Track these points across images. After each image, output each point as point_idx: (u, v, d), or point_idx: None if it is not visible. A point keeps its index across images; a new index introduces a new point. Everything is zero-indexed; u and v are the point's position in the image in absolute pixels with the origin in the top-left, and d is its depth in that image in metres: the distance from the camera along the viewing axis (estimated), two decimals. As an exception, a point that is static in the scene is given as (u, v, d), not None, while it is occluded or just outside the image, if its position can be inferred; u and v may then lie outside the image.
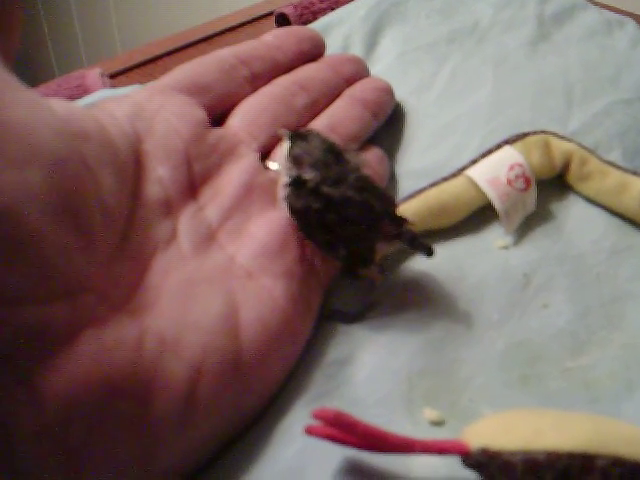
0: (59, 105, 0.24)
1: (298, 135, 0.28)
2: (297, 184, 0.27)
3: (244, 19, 0.52)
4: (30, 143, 0.20)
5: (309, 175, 0.27)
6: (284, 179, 0.28)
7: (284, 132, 0.29)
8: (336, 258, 0.28)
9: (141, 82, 0.42)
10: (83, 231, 0.21)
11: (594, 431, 0.21)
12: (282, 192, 0.28)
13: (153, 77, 0.45)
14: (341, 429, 0.21)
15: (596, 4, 0.50)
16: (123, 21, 1.47)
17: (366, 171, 0.28)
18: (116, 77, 0.46)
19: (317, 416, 0.21)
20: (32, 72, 1.58)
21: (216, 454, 0.23)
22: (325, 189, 0.27)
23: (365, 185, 0.27)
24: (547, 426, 0.21)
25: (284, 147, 0.28)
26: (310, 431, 0.21)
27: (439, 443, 0.21)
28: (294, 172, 0.27)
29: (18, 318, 0.19)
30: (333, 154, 0.27)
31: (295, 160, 0.27)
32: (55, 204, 0.20)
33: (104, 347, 0.21)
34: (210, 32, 0.51)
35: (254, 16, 0.52)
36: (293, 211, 0.27)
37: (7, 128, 0.20)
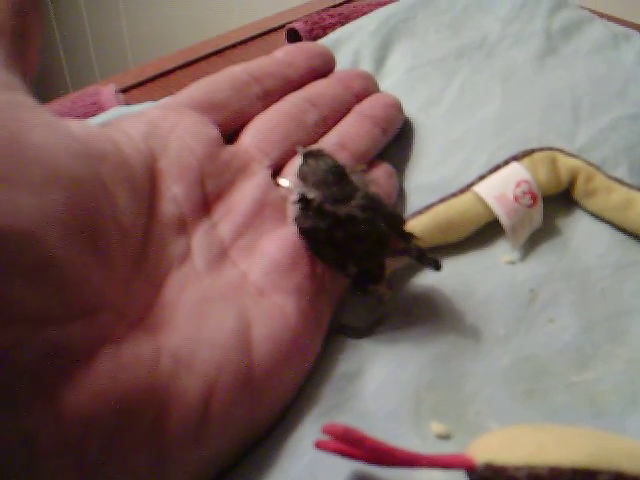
0: (76, 126, 0.25)
1: (311, 153, 0.29)
2: (303, 202, 0.28)
3: (255, 33, 0.53)
4: (49, 166, 0.21)
5: (312, 194, 0.27)
6: (293, 197, 0.28)
7: (300, 149, 0.29)
8: (346, 276, 0.29)
9: (154, 96, 0.43)
10: (100, 251, 0.22)
11: (597, 446, 0.22)
12: (291, 210, 0.28)
13: (165, 91, 0.46)
14: (350, 444, 0.21)
15: (603, 16, 0.50)
16: (135, 35, 1.48)
17: (373, 189, 0.29)
18: (129, 91, 0.46)
19: (327, 431, 0.21)
20: (46, 85, 1.59)
21: (228, 467, 0.24)
22: (329, 207, 0.27)
23: (371, 203, 0.28)
24: (551, 441, 0.22)
25: (296, 164, 0.29)
26: (320, 445, 0.22)
27: (445, 458, 0.22)
28: (300, 190, 0.28)
29: (39, 337, 0.19)
30: (336, 174, 0.28)
31: (301, 178, 0.28)
32: (73, 225, 0.21)
33: (121, 364, 0.21)
34: (221, 46, 0.51)
35: (264, 30, 0.53)
36: (302, 231, 0.28)
37: (27, 152, 0.21)
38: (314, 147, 0.30)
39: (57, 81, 1.66)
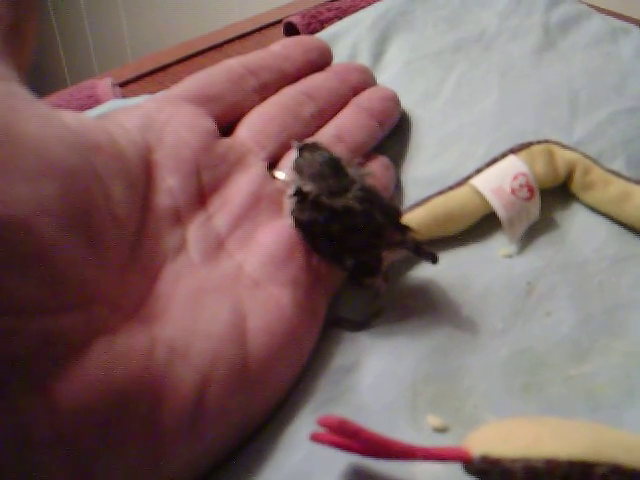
0: (71, 117, 0.24)
1: (306, 147, 0.29)
2: (299, 195, 0.28)
3: (253, 27, 0.53)
4: (43, 156, 0.21)
5: (308, 187, 0.27)
6: (289, 190, 0.28)
7: (294, 143, 0.29)
8: (343, 269, 0.29)
9: (151, 90, 0.43)
10: (94, 242, 0.22)
11: (594, 439, 0.21)
12: (287, 203, 0.28)
13: (163, 85, 0.45)
14: (345, 436, 0.21)
15: (601, 11, 0.50)
16: (134, 29, 1.48)
17: (370, 181, 0.28)
18: (127, 85, 0.46)
19: (322, 423, 0.21)
20: (44, 79, 1.59)
21: (223, 459, 0.24)
22: (325, 200, 0.27)
23: (368, 196, 0.28)
24: (547, 434, 0.21)
25: (292, 157, 0.29)
26: (315, 438, 0.22)
27: (441, 450, 0.22)
28: (296, 183, 0.28)
29: (33, 328, 0.19)
30: (333, 167, 0.28)
31: (297, 171, 0.28)
32: (67, 216, 0.21)
33: (115, 356, 0.21)
34: (219, 40, 0.51)
35: (262, 24, 0.53)
36: (298, 224, 0.28)
37: (21, 142, 0.21)
38: (309, 140, 0.30)
39: (55, 76, 1.66)
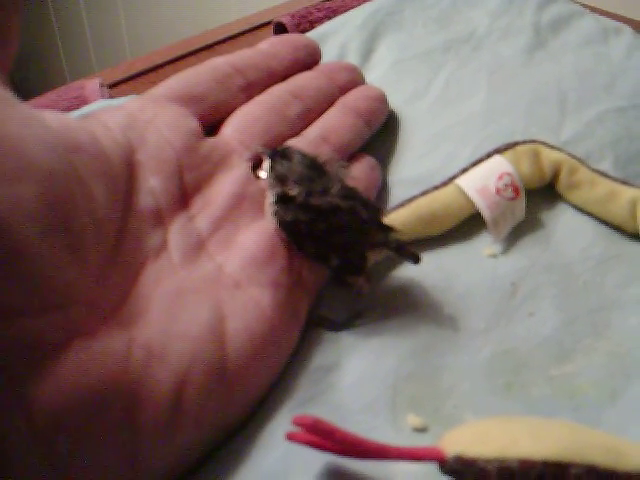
0: (52, 118, 0.24)
1: (278, 153, 0.29)
2: (283, 200, 0.28)
3: (244, 28, 0.53)
4: (22, 158, 0.21)
5: (295, 191, 0.27)
6: (270, 197, 0.28)
7: (263, 151, 0.29)
8: (328, 268, 0.29)
9: (142, 91, 0.43)
10: (74, 243, 0.22)
11: (570, 439, 0.21)
12: (270, 209, 0.28)
13: (154, 85, 0.45)
14: (320, 436, 0.21)
15: (594, 10, 0.50)
16: (132, 28, 1.48)
17: (350, 182, 0.28)
18: (117, 86, 0.46)
19: (297, 423, 0.21)
20: (44, 77, 1.60)
21: (201, 459, 0.24)
22: (311, 201, 0.27)
23: (350, 194, 0.28)
24: (523, 434, 0.21)
25: (265, 166, 0.29)
26: (291, 437, 0.22)
27: (414, 450, 0.22)
28: (278, 190, 0.28)
29: (9, 330, 0.19)
30: (315, 169, 0.28)
31: (278, 178, 0.28)
32: (46, 217, 0.21)
33: (93, 357, 0.21)
34: (211, 41, 0.51)
35: (254, 25, 0.53)
36: (283, 225, 0.28)
37: (0, 143, 0.21)
38: (279, 147, 0.30)
39: (55, 74, 1.66)
